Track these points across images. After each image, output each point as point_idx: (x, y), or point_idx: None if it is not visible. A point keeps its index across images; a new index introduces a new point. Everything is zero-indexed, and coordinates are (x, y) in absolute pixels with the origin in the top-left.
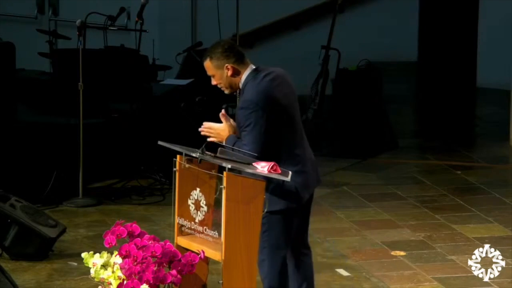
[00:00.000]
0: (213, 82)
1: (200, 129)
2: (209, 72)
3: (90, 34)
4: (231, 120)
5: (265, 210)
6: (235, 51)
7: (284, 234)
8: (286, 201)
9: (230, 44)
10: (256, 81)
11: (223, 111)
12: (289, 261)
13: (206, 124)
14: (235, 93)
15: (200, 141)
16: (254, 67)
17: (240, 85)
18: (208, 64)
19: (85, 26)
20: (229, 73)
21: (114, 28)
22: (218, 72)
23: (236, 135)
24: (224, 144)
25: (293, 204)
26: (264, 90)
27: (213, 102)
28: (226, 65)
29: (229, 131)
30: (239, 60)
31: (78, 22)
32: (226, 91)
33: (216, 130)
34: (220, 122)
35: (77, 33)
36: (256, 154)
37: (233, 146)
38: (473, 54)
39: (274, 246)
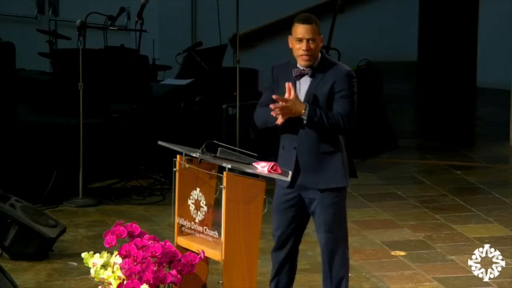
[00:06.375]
0: (308, 46)
1: (275, 108)
2: (312, 35)
3: (90, 34)
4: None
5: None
6: None
7: None
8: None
9: None
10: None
11: (288, 83)
12: (288, 252)
13: (277, 105)
14: (234, 93)
15: (200, 141)
16: None
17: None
18: (314, 28)
19: (85, 26)
20: (320, 44)
21: (114, 28)
22: (318, 38)
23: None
24: (305, 114)
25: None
26: None
27: (213, 102)
28: (322, 36)
29: (300, 101)
30: None
31: (78, 22)
32: (309, 62)
33: (287, 104)
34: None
35: (77, 33)
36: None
37: (320, 115)
38: (473, 54)
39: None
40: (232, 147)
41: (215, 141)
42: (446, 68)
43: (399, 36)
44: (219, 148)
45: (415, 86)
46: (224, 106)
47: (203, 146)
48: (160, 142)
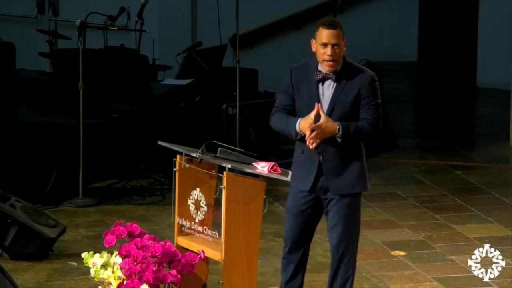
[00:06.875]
0: (333, 52)
1: (309, 139)
2: (337, 41)
3: (90, 34)
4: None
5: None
6: None
7: None
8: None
9: None
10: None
11: (318, 104)
12: (302, 253)
13: (310, 131)
14: (234, 93)
15: (200, 141)
16: None
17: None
18: (339, 32)
19: (85, 26)
20: (344, 49)
21: (114, 28)
22: (343, 43)
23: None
24: (339, 134)
25: None
26: None
27: (213, 102)
28: (345, 40)
29: (332, 121)
30: None
31: (78, 22)
32: (333, 67)
33: (319, 127)
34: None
35: (77, 33)
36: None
37: (354, 131)
38: (473, 54)
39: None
40: (232, 147)
41: (215, 141)
42: (446, 68)
43: (399, 36)
44: (219, 148)
45: (415, 86)
46: (224, 106)
47: (203, 146)
48: (160, 142)
